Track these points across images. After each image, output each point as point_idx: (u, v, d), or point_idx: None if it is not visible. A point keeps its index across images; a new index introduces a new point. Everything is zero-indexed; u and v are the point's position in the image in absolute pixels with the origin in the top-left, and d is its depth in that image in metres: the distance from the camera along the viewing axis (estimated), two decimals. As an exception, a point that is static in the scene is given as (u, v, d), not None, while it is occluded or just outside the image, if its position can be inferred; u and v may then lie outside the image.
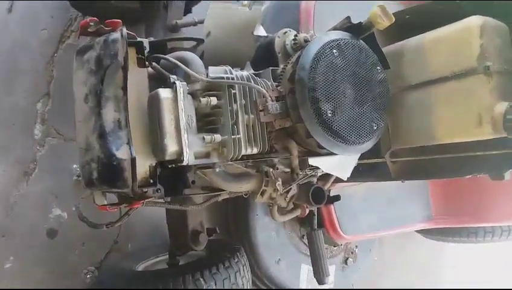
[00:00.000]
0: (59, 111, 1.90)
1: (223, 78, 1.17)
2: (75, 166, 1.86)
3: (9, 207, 1.78)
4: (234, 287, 1.39)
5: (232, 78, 1.18)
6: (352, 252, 2.27)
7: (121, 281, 1.47)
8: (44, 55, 1.94)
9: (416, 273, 2.95)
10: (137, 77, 1.17)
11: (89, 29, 1.16)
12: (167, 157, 1.12)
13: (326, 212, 1.84)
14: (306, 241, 2.11)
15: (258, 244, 2.02)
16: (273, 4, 2.04)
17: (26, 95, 1.87)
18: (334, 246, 2.17)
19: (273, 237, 2.07)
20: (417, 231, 2.67)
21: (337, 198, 1.66)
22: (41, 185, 1.84)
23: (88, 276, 1.82)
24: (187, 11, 1.95)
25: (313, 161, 1.27)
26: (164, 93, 1.12)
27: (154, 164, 1.18)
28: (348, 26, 1.29)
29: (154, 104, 1.13)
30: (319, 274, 1.52)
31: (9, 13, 1.88)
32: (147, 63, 1.21)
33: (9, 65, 1.86)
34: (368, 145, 1.24)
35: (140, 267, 1.66)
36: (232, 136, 1.15)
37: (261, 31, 1.45)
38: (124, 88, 1.08)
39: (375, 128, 1.23)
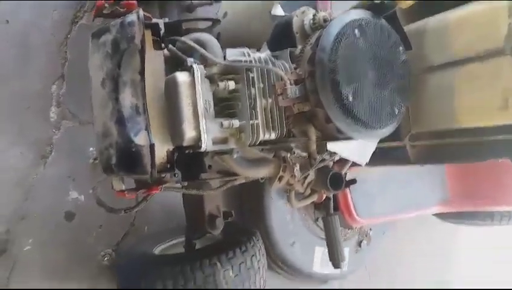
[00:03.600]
0: (74, 93, 1.89)
1: (241, 61, 1.14)
2: (91, 149, 1.86)
3: (27, 190, 1.80)
4: (250, 271, 1.39)
5: (250, 61, 1.15)
6: (366, 235, 2.26)
7: (139, 264, 1.48)
8: (57, 37, 1.92)
9: (430, 256, 2.94)
10: (154, 60, 1.15)
11: (104, 11, 1.14)
12: (185, 144, 1.11)
13: (342, 196, 1.83)
14: (320, 224, 2.11)
15: (272, 227, 2.02)
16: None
17: (40, 77, 1.86)
18: (349, 229, 2.17)
19: (288, 220, 2.07)
20: (433, 214, 2.64)
21: (353, 182, 1.64)
22: (58, 168, 1.85)
23: (105, 258, 1.85)
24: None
25: (331, 146, 1.24)
26: (181, 77, 1.10)
27: (171, 149, 1.16)
28: (370, 5, 1.24)
29: (171, 89, 1.11)
30: (335, 259, 1.52)
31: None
32: (163, 45, 1.19)
33: (21, 48, 1.85)
34: (388, 129, 1.22)
35: (157, 250, 1.67)
36: (250, 122, 1.13)
37: (279, 10, 1.41)
38: (142, 72, 1.06)
39: (396, 112, 1.20)
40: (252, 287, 1.41)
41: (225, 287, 1.33)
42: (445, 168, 2.09)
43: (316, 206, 2.03)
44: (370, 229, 2.29)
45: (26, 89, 1.83)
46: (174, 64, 1.19)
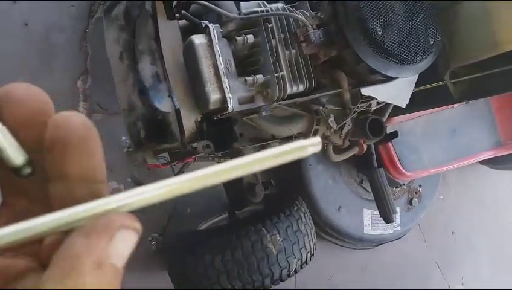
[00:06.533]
0: (100, 86, 1.90)
1: (257, 12, 1.08)
2: (124, 138, 1.87)
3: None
4: (298, 234, 1.35)
5: (267, 11, 1.09)
6: (416, 192, 2.15)
7: (187, 240, 1.47)
8: (76, 32, 1.93)
9: (486, 210, 2.78)
10: (169, 31, 1.12)
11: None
12: (211, 107, 1.07)
13: (385, 151, 1.73)
14: (365, 186, 2.02)
15: (315, 195, 1.95)
16: None
17: (65, 74, 1.88)
18: (396, 188, 2.07)
19: (330, 185, 2.00)
20: (482, 163, 2.49)
21: (394, 135, 1.56)
22: (95, 162, 1.86)
23: (153, 243, 1.86)
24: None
25: (366, 91, 1.17)
26: (198, 39, 1.07)
27: (199, 119, 1.14)
28: None
29: (189, 53, 1.08)
30: (386, 213, 1.45)
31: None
32: (176, 15, 1.16)
33: (44, 47, 1.87)
34: (425, 63, 1.12)
35: (202, 227, 1.66)
36: (275, 74, 1.08)
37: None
38: (157, 39, 1.03)
39: (431, 42, 1.11)
40: (302, 250, 1.36)
41: (274, 252, 1.29)
42: (494, 108, 1.94)
43: (358, 167, 1.94)
44: (420, 185, 2.18)
45: (53, 87, 1.85)
46: (190, 32, 1.15)
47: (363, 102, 1.24)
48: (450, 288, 2.60)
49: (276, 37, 1.08)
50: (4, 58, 1.79)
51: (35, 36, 1.86)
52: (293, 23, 1.12)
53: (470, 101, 1.47)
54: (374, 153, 1.56)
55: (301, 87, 1.13)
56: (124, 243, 0.24)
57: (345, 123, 1.22)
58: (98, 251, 0.23)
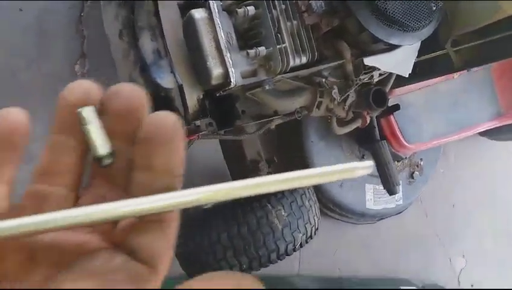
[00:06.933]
0: (98, 70, 1.88)
1: (257, -17, 1.06)
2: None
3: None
4: (302, 209, 1.36)
5: (267, -18, 1.07)
6: (417, 165, 2.16)
7: (191, 222, 1.47)
8: (72, 16, 1.90)
9: (488, 181, 2.80)
10: (168, 7, 1.10)
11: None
12: (213, 82, 1.07)
13: (386, 124, 1.74)
14: (367, 160, 2.03)
15: (318, 171, 1.96)
16: None
17: (62, 59, 1.86)
18: (398, 161, 2.08)
19: (332, 162, 2.00)
20: (482, 135, 2.50)
21: (396, 107, 1.56)
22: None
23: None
24: None
25: (368, 61, 1.16)
26: (198, 13, 1.05)
27: (201, 96, 1.13)
28: None
29: (189, 29, 1.06)
30: (389, 184, 1.45)
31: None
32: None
33: (40, 32, 1.84)
34: (428, 29, 1.12)
35: (207, 206, 1.66)
36: (278, 46, 1.07)
37: None
38: (157, 13, 1.02)
39: (434, 8, 1.10)
40: (306, 225, 1.37)
41: (280, 227, 1.30)
42: (494, 78, 1.94)
43: (360, 142, 1.95)
44: (421, 159, 2.19)
45: (51, 72, 1.83)
46: (188, 8, 1.13)
47: (365, 73, 1.23)
48: (462, 288, 2.62)
49: (278, 7, 1.07)
50: (0, 44, 1.77)
51: (31, 21, 1.83)
52: (293, -6, 1.10)
53: (472, 70, 1.46)
54: (376, 126, 1.55)
55: (304, 59, 1.12)
56: None
57: (348, 95, 1.22)
58: None
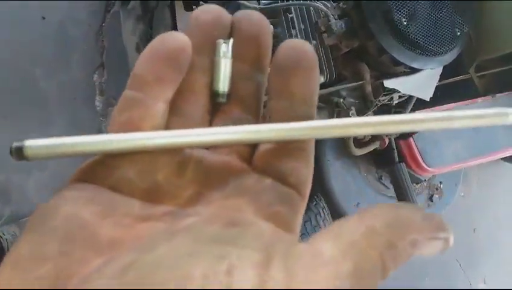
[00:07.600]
0: (115, 80, 1.89)
1: (277, 2, 1.05)
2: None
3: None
4: (316, 229, 1.32)
5: (287, 1, 1.06)
6: (437, 189, 2.10)
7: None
8: (93, 26, 1.93)
9: (508, 207, 2.71)
10: (187, 25, 1.10)
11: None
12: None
13: (406, 147, 1.69)
14: (384, 182, 1.98)
15: (333, 191, 1.92)
16: None
17: (81, 68, 1.88)
18: (417, 184, 2.02)
19: (349, 182, 1.96)
20: (504, 160, 2.42)
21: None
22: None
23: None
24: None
25: (389, 83, 1.13)
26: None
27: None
28: None
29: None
30: (407, 209, 1.40)
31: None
32: (194, 7, 1.13)
33: (61, 41, 1.87)
34: (451, 54, 1.08)
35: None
36: (296, 66, 1.04)
37: None
38: (174, 28, 1.01)
39: (458, 34, 1.06)
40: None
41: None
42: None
43: (377, 163, 1.90)
44: (440, 182, 2.13)
45: (70, 80, 1.85)
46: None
47: (385, 95, 1.20)
48: (473, 288, 2.54)
49: (297, 27, 1.05)
50: (22, 50, 1.80)
51: (52, 30, 1.87)
52: (313, 14, 1.08)
53: (496, 95, 1.41)
54: (395, 148, 1.51)
55: (322, 79, 1.10)
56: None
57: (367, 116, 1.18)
58: None
